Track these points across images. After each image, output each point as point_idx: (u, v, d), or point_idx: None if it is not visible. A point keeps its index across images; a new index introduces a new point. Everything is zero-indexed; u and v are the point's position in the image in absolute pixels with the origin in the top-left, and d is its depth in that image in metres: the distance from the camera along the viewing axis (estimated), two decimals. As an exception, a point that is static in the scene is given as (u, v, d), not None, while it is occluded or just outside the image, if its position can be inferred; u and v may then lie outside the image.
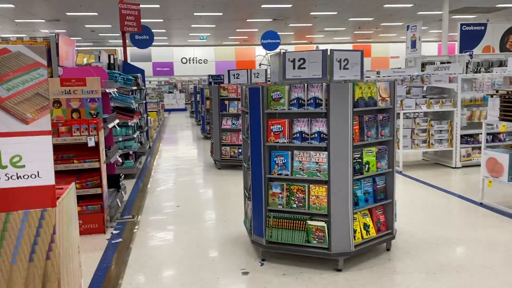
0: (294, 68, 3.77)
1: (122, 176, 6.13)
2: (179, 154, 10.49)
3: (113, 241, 4.60)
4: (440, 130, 7.61)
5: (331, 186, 3.65)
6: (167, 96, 26.51)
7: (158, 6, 16.21)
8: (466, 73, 10.10)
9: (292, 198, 3.77)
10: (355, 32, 26.54)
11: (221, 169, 8.26)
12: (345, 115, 3.59)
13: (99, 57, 7.54)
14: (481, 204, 5.51)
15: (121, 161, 6.22)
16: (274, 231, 3.82)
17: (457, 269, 3.70)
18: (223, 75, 10.30)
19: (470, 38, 15.36)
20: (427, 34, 26.80)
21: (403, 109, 7.37)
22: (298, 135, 3.74)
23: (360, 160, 3.74)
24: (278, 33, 18.76)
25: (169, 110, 25.48)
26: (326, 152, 3.64)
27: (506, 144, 7.52)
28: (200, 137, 13.27)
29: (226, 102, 8.22)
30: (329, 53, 3.69)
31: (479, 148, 7.74)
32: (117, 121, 6.09)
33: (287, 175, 3.79)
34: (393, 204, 4.06)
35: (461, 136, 7.64)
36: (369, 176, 3.86)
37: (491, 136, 7.58)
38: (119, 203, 5.68)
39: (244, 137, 4.40)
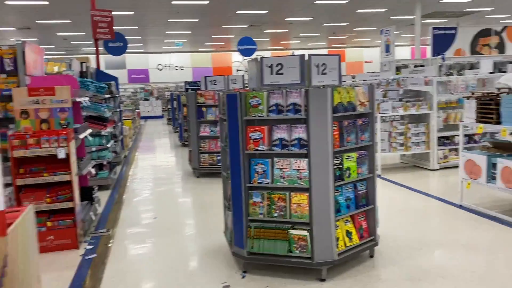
0: (272, 73, 3.69)
1: (96, 188, 5.92)
2: (156, 163, 10.27)
3: (87, 257, 4.40)
4: (417, 133, 7.66)
5: (312, 194, 3.56)
6: (143, 103, 26.12)
7: (132, 13, 15.97)
8: (439, 76, 10.24)
9: (273, 207, 3.66)
10: (330, 37, 26.80)
11: (200, 177, 8.10)
12: (325, 121, 3.52)
13: (70, 65, 7.30)
14: (460, 206, 5.53)
15: (94, 172, 6.00)
16: (255, 242, 3.70)
17: (441, 275, 3.66)
18: (200, 82, 10.16)
19: (441, 41, 15.65)
20: (400, 38, 27.28)
21: (380, 113, 7.39)
22: (278, 142, 3.64)
23: (340, 166, 3.67)
24: (254, 39, 18.75)
25: (146, 118, 25.11)
26: (307, 159, 3.55)
27: (482, 145, 7.60)
28: (178, 145, 13.06)
29: (204, 109, 8.09)
30: (306, 58, 3.62)
31: (456, 149, 7.83)
32: (89, 130, 5.88)
33: (268, 183, 3.69)
34: (375, 210, 4.01)
35: (438, 138, 7.70)
36: (350, 182, 3.79)
37: (466, 137, 7.68)
38: (93, 217, 5.47)
39: (222, 145, 4.28)
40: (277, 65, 3.67)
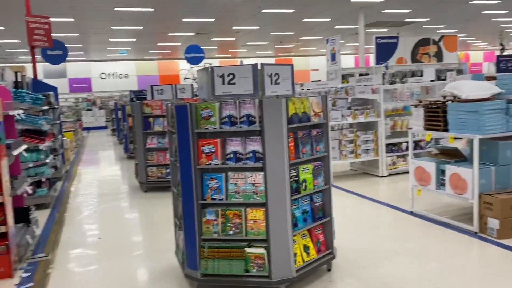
0: (223, 83, 3.51)
1: (33, 208, 5.44)
2: (101, 177, 9.73)
3: (22, 287, 3.97)
4: (366, 140, 7.75)
5: (269, 209, 3.41)
6: (86, 113, 25.00)
7: (72, 19, 15.25)
8: (383, 84, 10.53)
9: (228, 224, 3.47)
10: (277, 46, 27.09)
11: (147, 192, 7.73)
12: (280, 133, 3.38)
13: (2, 75, 6.73)
14: (412, 213, 5.60)
15: (31, 190, 5.52)
16: (209, 263, 3.48)
17: (400, 285, 3.61)
18: (146, 91, 9.78)
19: (384, 50, 16.20)
20: (344, 47, 28.07)
21: (330, 121, 7.41)
22: (232, 156, 3.46)
23: (297, 179, 3.55)
24: (202, 47, 18.51)
25: (88, 129, 24.01)
26: (263, 173, 3.40)
27: (429, 152, 7.83)
28: (123, 157, 12.51)
29: (151, 119, 7.75)
30: (259, 68, 3.48)
31: (403, 156, 8.02)
32: (25, 146, 5.41)
33: (222, 199, 3.49)
34: (331, 222, 3.92)
35: (386, 145, 7.84)
36: (307, 194, 3.68)
37: (413, 144, 7.86)
38: (30, 240, 5.00)
39: (172, 159, 4.03)
40: (229, 75, 3.50)
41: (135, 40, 21.27)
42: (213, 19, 16.91)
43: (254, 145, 3.40)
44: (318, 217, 3.80)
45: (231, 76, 3.50)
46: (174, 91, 7.96)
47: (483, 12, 18.77)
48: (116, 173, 10.31)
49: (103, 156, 13.51)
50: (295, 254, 3.51)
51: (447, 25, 22.06)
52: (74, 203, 7.26)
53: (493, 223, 4.55)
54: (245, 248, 3.43)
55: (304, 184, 3.61)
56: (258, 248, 3.42)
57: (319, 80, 13.37)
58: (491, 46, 34.19)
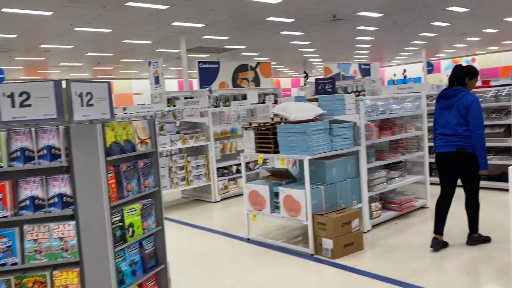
0: (14, 106, 2.63)
1: None
2: None
3: None
4: (198, 165, 7.38)
5: (85, 268, 2.62)
6: None
7: None
8: (208, 107, 10.46)
9: (26, 296, 2.55)
10: (95, 67, 25.26)
11: None
12: (96, 167, 2.66)
13: None
14: (248, 240, 5.35)
15: None
16: None
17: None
18: None
19: (207, 75, 16.41)
20: (168, 71, 27.81)
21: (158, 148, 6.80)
22: (28, 203, 2.58)
23: (121, 224, 2.85)
24: (2, 67, 15.84)
25: None
26: (74, 222, 2.61)
27: (257, 173, 7.88)
28: None
29: None
30: (65, 85, 2.71)
31: (234, 179, 7.89)
32: None
33: (16, 263, 2.56)
34: (166, 269, 3.31)
35: (217, 169, 7.60)
36: (135, 241, 3.00)
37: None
38: None
39: None
40: (21, 94, 2.64)
41: None
42: (15, 35, 14.66)
43: (60, 186, 2.59)
44: (150, 266, 3.15)
45: (24, 96, 2.64)
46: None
47: (291, 43, 20.77)
48: None
49: None
50: (123, 319, 2.79)
51: (261, 53, 23.80)
52: None
53: (327, 243, 4.56)
54: (53, 326, 2.57)
55: (131, 229, 2.93)
56: (72, 321, 2.60)
57: (144, 104, 12.66)
58: (297, 74, 38.43)
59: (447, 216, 4.58)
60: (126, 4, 11.61)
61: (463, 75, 4.51)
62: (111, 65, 24.93)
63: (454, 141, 4.42)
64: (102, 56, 20.97)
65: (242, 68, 17.67)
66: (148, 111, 9.06)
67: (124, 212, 2.86)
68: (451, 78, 4.57)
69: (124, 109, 12.77)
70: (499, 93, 6.89)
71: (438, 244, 4.53)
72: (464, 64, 4.77)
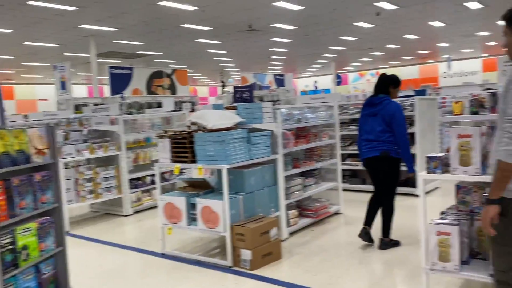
0: None
1: None
2: None
3: None
4: (107, 177, 6.89)
5: (-36, 301, 2.22)
6: None
7: None
8: (119, 115, 9.94)
9: None
10: (-9, 71, 23.01)
11: None
12: (-20, 182, 2.28)
13: None
14: (163, 255, 5.06)
15: None
16: None
17: None
18: None
19: (119, 81, 15.69)
20: (76, 76, 26.18)
21: (62, 158, 6.25)
22: None
23: (12, 247, 2.47)
24: None
25: None
26: (-50, 247, 2.20)
27: (173, 183, 7.57)
28: None
29: None
30: None
31: (148, 191, 7.50)
32: None
33: None
34: (69, 294, 2.95)
35: (129, 181, 7.17)
36: (30, 266, 2.63)
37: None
38: None
39: None
40: None
41: None
42: None
43: None
44: (49, 292, 2.78)
45: None
46: None
47: (207, 51, 20.64)
48: None
49: None
50: None
51: (177, 60, 23.38)
52: None
53: (246, 254, 4.45)
54: None
55: (25, 252, 2.56)
56: None
57: (49, 111, 11.67)
58: (214, 83, 38.37)
59: (377, 212, 4.81)
60: (28, 2, 10.68)
61: (387, 84, 4.73)
62: (12, 69, 22.87)
63: (378, 146, 4.63)
64: (0, 58, 19.14)
65: (157, 74, 17.16)
66: (52, 119, 8.36)
67: (16, 233, 2.49)
68: (377, 87, 4.78)
69: (25, 116, 11.70)
70: (403, 104, 7.36)
71: (367, 234, 4.78)
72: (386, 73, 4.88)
